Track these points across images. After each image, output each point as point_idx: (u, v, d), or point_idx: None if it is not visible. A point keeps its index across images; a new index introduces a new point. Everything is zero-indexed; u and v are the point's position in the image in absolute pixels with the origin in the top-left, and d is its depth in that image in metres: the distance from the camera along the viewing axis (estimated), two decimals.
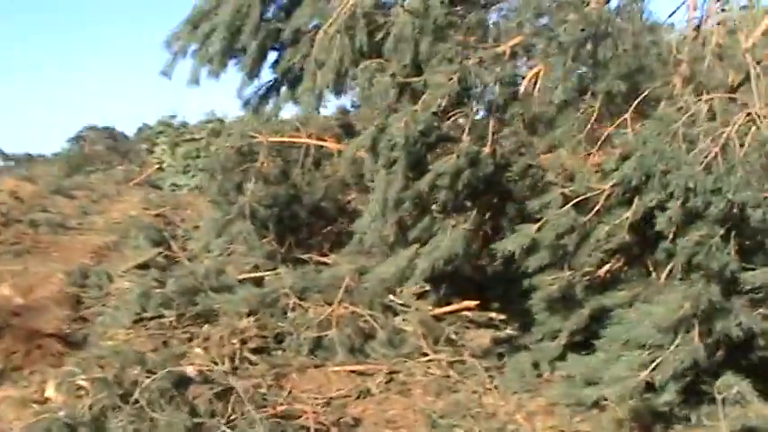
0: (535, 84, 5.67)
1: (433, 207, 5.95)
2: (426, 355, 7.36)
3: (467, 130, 5.59)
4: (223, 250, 10.62)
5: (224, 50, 6.15)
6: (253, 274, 9.70)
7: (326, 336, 7.48)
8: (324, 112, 10.02)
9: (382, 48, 5.81)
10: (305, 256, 9.85)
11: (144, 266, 10.41)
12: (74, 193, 16.31)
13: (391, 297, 8.44)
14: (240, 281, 9.38)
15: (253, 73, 6.36)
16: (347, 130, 9.57)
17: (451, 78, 5.27)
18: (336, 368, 7.14)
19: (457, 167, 5.44)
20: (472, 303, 8.16)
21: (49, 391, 5.75)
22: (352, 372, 7.13)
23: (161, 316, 8.22)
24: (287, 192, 9.44)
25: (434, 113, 5.41)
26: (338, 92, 5.71)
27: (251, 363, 7.10)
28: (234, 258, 10.16)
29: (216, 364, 6.88)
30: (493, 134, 5.56)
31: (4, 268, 10.43)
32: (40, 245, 11.92)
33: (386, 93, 5.28)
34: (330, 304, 8.29)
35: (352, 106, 9.59)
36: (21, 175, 16.84)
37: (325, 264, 9.74)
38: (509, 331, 7.70)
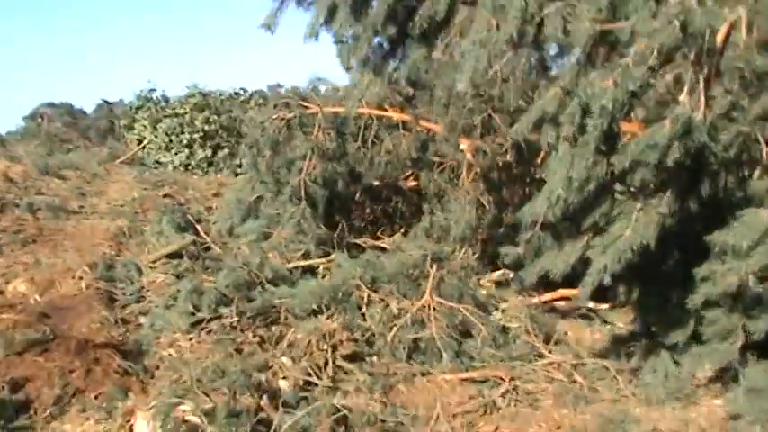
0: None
1: (617, 187, 4.75)
2: (541, 356, 6.22)
3: (686, 90, 4.36)
4: (258, 235, 9.33)
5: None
6: (303, 263, 8.47)
7: (424, 336, 6.28)
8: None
9: None
10: (359, 241, 8.63)
11: (175, 255, 9.08)
12: (64, 173, 14.69)
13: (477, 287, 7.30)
14: (290, 270, 8.17)
15: (379, 27, 5.01)
16: (408, 99, 8.31)
17: (672, 22, 4.02)
18: (447, 376, 5.95)
19: (669, 137, 4.23)
20: (570, 292, 7.05)
21: (142, 427, 4.45)
22: (464, 380, 5.95)
23: (219, 316, 6.93)
24: (344, 169, 8.15)
25: (651, 68, 4.16)
26: (520, 44, 4.36)
27: (346, 372, 5.88)
28: (274, 244, 8.88)
29: (311, 375, 5.64)
30: (705, 94, 4.33)
31: (13, 261, 8.98)
32: (44, 232, 10.41)
33: (585, 43, 4.02)
34: (405, 296, 7.12)
35: None
36: (4, 153, 15.10)
37: (381, 249, 8.54)
38: (628, 327, 6.60)
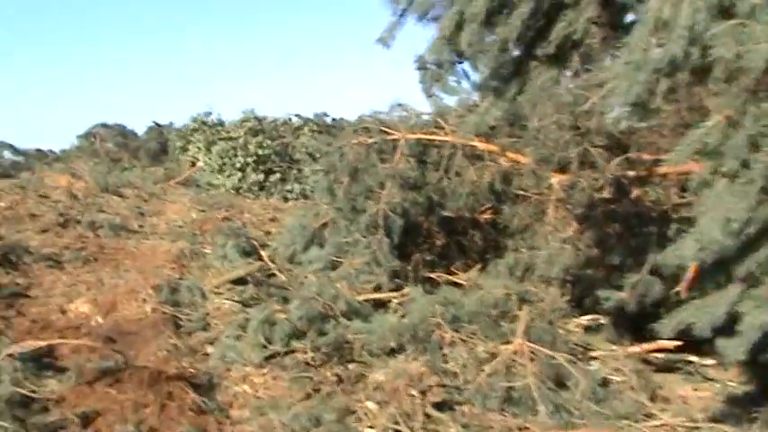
0: None
1: None
2: (650, 416, 5.57)
3: None
4: (325, 263, 8.83)
5: (489, 10, 4.27)
6: (374, 296, 7.94)
7: (518, 385, 5.68)
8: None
9: None
10: (433, 275, 8.07)
11: (240, 281, 8.63)
12: (122, 191, 14.41)
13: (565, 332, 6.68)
14: (360, 302, 7.64)
15: (510, 45, 4.47)
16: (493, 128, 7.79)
17: None
18: None
19: None
20: (670, 344, 6.40)
21: None
22: None
23: (292, 351, 6.43)
24: (424, 199, 7.63)
25: None
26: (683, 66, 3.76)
27: (437, 422, 5.31)
28: (343, 274, 8.37)
29: (398, 424, 5.08)
30: None
31: (76, 279, 8.59)
32: (105, 250, 10.05)
33: (759, 66, 3.45)
34: (489, 338, 6.54)
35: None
36: (66, 170, 14.91)
37: (455, 284, 7.98)
38: (742, 387, 5.93)
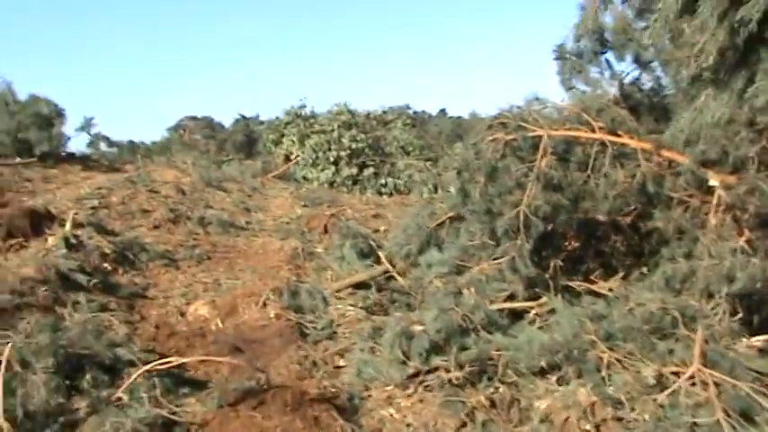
0: None
1: None
2: None
3: None
4: (451, 267, 8.15)
5: None
6: (508, 305, 7.21)
7: (704, 419, 4.88)
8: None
9: None
10: (573, 284, 7.28)
11: (361, 285, 8.07)
12: (225, 186, 14.12)
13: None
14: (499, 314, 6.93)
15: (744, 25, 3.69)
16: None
17: None
18: None
19: None
20: None
21: None
22: None
23: (434, 368, 5.79)
24: (568, 201, 6.85)
25: None
26: None
27: None
28: (472, 280, 7.68)
29: None
30: None
31: (192, 279, 8.20)
32: (218, 248, 9.67)
33: None
34: (649, 359, 5.73)
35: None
36: (169, 164, 14.75)
37: (597, 294, 7.17)
38: None
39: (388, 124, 23.94)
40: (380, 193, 20.61)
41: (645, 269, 7.28)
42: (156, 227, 9.94)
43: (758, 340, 6.19)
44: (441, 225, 9.53)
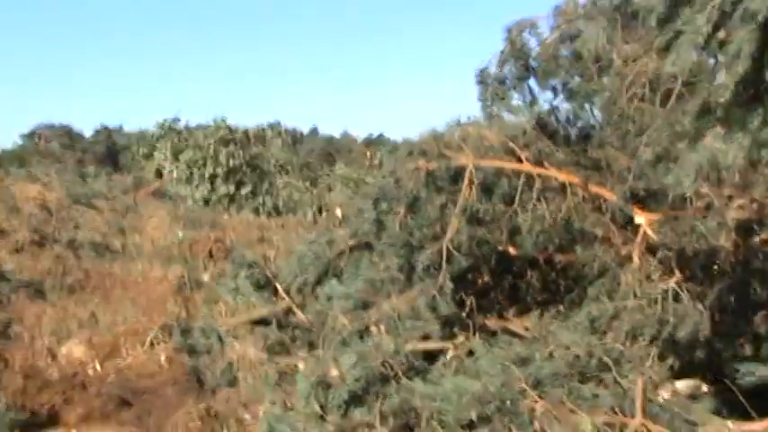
0: None
1: None
2: None
3: None
4: (356, 302, 7.54)
5: None
6: (423, 345, 6.67)
7: None
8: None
9: None
10: (490, 323, 6.86)
11: (261, 321, 7.27)
12: (95, 203, 12.82)
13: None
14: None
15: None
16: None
17: None
18: None
19: None
20: None
21: None
22: None
23: (356, 426, 5.13)
24: (493, 235, 6.39)
25: None
26: None
27: None
28: (380, 317, 7.10)
29: None
30: None
31: (63, 313, 7.12)
32: (91, 276, 8.56)
33: None
34: (581, 408, 5.35)
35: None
36: (29, 177, 13.21)
37: (513, 334, 6.78)
38: None
39: (266, 141, 23.06)
40: (258, 213, 19.73)
41: (561, 307, 6.97)
42: (17, 250, 8.69)
43: (684, 385, 5.98)
44: (340, 254, 8.90)
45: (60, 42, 62.65)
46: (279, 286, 8.07)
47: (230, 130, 21.43)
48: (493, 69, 6.81)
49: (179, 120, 22.14)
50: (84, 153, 42.69)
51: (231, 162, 20.38)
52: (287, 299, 7.90)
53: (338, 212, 16.18)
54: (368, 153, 27.97)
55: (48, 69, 59.69)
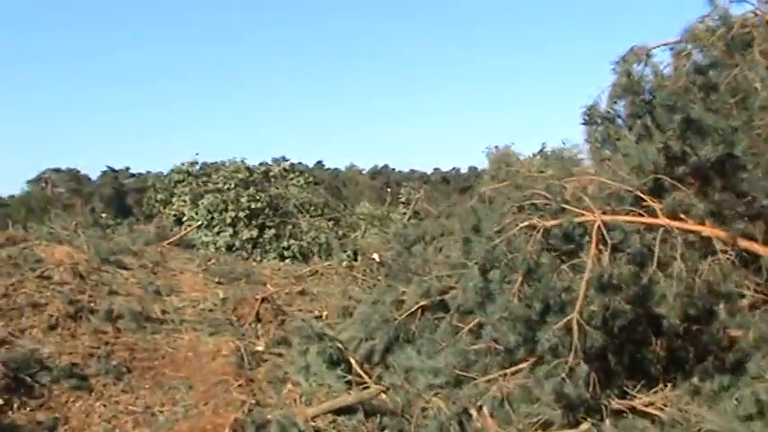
0: None
1: None
2: None
3: None
4: (448, 377, 6.54)
5: None
6: None
7: None
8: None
9: None
10: (616, 403, 5.85)
11: (346, 410, 6.25)
12: (122, 260, 11.77)
13: None
14: None
15: None
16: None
17: None
18: None
19: None
20: None
21: None
22: None
23: None
24: (628, 306, 5.37)
25: None
26: None
27: None
28: (479, 395, 6.06)
29: None
30: None
31: (114, 406, 6.07)
32: (137, 355, 7.52)
33: None
34: None
35: None
36: (55, 236, 12.16)
37: (647, 415, 5.76)
38: None
39: (286, 180, 22.04)
40: (283, 257, 18.72)
41: (694, 380, 5.94)
42: (52, 327, 7.65)
43: None
44: (411, 316, 7.95)
45: (67, 86, 62.12)
46: (354, 362, 7.07)
47: (250, 171, 20.50)
48: (603, 106, 5.88)
49: (197, 163, 21.19)
50: (91, 196, 41.81)
51: (253, 205, 19.43)
52: (362, 374, 6.90)
53: (376, 257, 15.18)
54: (389, 189, 27.10)
55: (56, 113, 59.04)
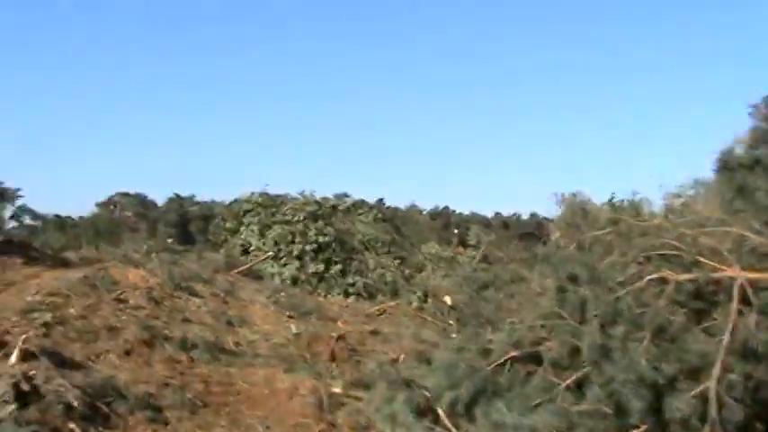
0: None
1: None
2: None
3: None
4: None
5: None
6: None
7: None
8: None
9: None
10: None
11: None
12: (194, 287, 11.56)
13: None
14: None
15: None
16: None
17: None
18: None
19: None
20: None
21: None
22: None
23: None
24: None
25: None
26: None
27: None
28: None
29: None
30: None
31: None
32: (212, 389, 7.18)
33: None
34: None
35: None
36: (127, 258, 12.08)
37: None
38: None
39: (353, 216, 21.76)
40: (347, 294, 18.33)
41: None
42: (127, 352, 7.38)
43: None
44: (499, 367, 7.39)
45: (138, 113, 63.90)
46: (442, 413, 6.57)
47: (319, 204, 20.31)
48: (739, 151, 5.35)
49: (267, 193, 21.11)
50: (156, 221, 42.46)
51: (321, 239, 19.16)
52: (452, 429, 6.39)
53: (448, 300, 14.66)
54: (456, 230, 26.63)
55: (125, 140, 60.65)
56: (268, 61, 70.77)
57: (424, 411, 6.57)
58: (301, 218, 19.71)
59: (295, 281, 18.49)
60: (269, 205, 20.95)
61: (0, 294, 8.44)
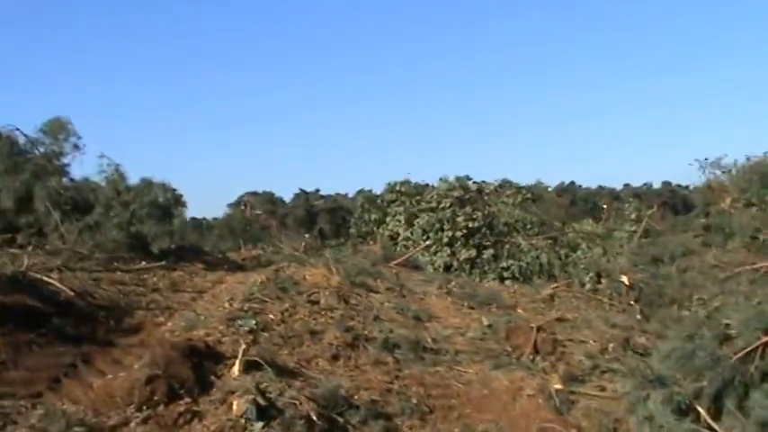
0: None
1: None
2: None
3: None
4: None
5: None
6: None
7: None
8: None
9: None
10: None
11: None
12: (370, 284, 11.22)
13: None
14: None
15: None
16: None
17: None
18: None
19: None
20: None
21: None
22: None
23: None
24: None
25: None
26: None
27: None
28: None
29: None
30: None
31: None
32: (432, 392, 6.72)
33: None
34: None
35: None
36: (298, 258, 11.95)
37: None
38: None
39: (500, 199, 20.92)
40: (502, 278, 17.59)
41: None
42: (335, 357, 7.04)
43: None
44: (747, 356, 6.53)
45: (262, 120, 65.72)
46: (703, 412, 5.81)
47: (465, 189, 19.65)
48: None
49: (409, 182, 20.71)
50: (285, 217, 43.23)
51: (470, 224, 18.51)
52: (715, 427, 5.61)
53: (625, 280, 13.64)
54: (604, 205, 25.30)
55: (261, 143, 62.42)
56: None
57: (686, 411, 5.84)
58: (448, 204, 19.12)
59: (447, 268, 17.99)
60: (412, 194, 20.55)
61: (197, 302, 8.34)
